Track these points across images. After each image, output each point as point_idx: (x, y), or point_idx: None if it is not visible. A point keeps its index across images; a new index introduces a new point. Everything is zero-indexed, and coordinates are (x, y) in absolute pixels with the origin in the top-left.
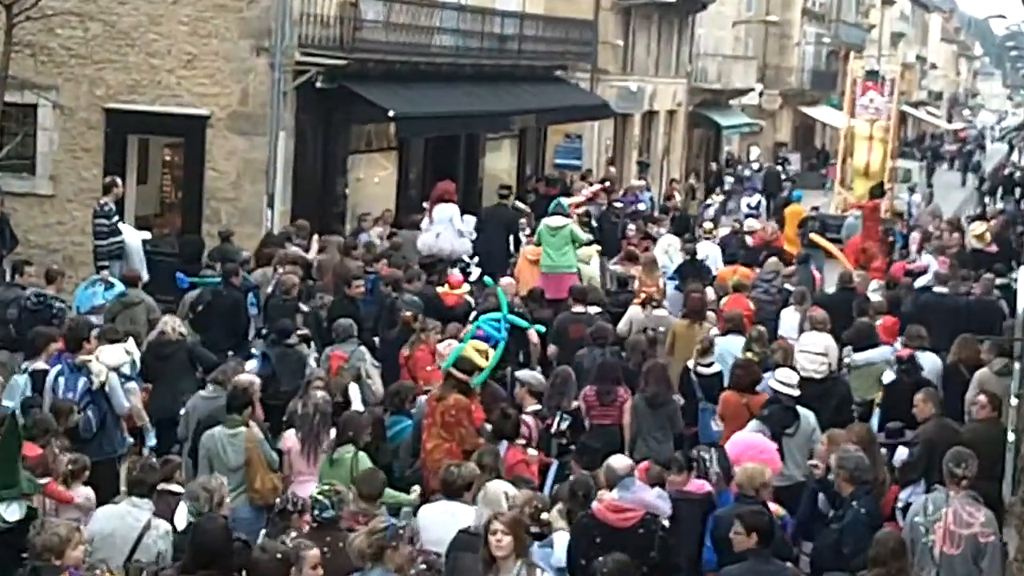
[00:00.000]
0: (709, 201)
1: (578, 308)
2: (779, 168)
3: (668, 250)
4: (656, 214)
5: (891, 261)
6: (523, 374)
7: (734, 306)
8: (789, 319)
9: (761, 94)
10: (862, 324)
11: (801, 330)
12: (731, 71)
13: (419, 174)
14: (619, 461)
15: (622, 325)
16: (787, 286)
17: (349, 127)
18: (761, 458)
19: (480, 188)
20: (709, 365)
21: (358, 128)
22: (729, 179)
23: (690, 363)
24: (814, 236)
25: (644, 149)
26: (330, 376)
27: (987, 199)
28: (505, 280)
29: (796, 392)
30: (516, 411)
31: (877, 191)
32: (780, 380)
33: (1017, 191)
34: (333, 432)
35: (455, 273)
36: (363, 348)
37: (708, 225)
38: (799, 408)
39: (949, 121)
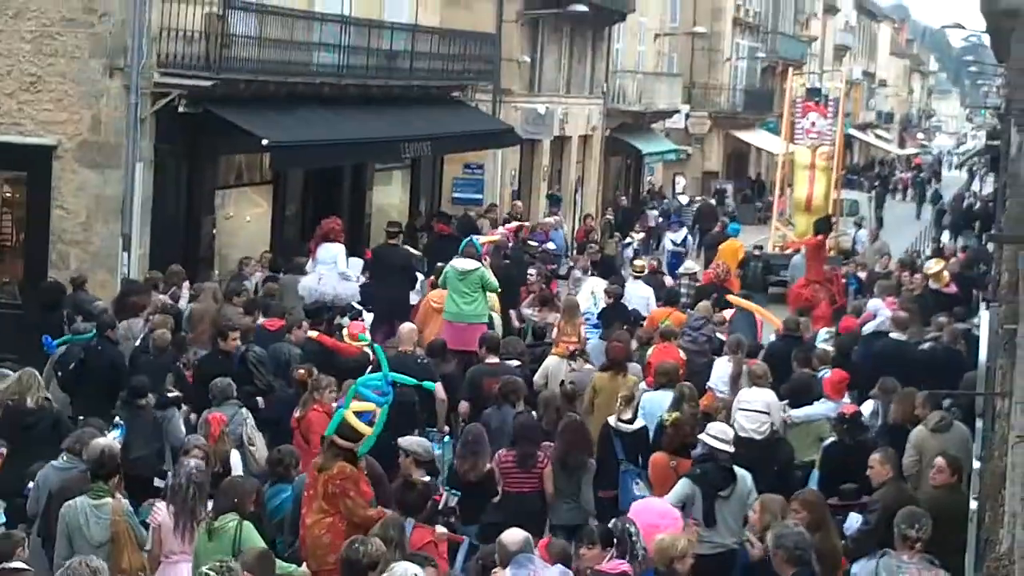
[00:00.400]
0: (628, 239)
1: (492, 359)
2: (713, 201)
3: (594, 293)
4: (573, 254)
5: (841, 308)
6: (406, 441)
7: (663, 357)
8: (721, 369)
9: (687, 116)
10: (801, 376)
11: (734, 383)
12: (653, 90)
13: (298, 210)
14: (512, 536)
15: (538, 378)
16: (718, 334)
17: (217, 158)
18: (661, 525)
19: (368, 225)
20: (631, 421)
21: (227, 159)
22: (652, 212)
23: (611, 419)
24: (733, 299)
25: (555, 180)
26: (209, 443)
27: (945, 233)
28: (407, 327)
29: (731, 448)
30: (424, 482)
31: (822, 226)
32: (714, 435)
33: (977, 225)
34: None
35: (355, 322)
36: (245, 410)
37: (640, 263)
38: (735, 468)
39: (901, 146)
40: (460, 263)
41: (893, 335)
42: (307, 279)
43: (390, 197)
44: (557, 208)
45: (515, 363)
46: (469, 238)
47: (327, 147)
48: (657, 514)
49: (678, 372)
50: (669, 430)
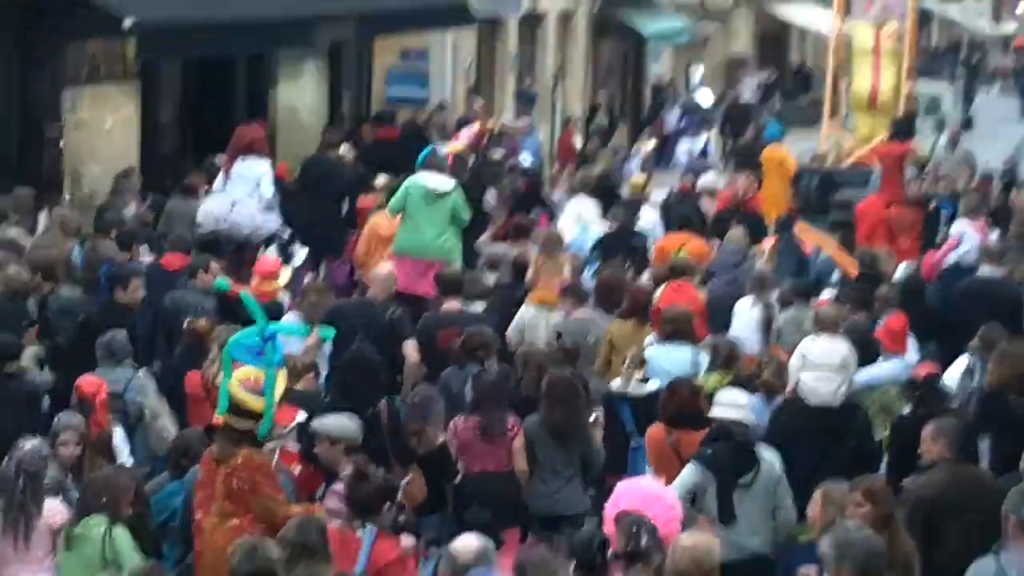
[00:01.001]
0: (632, 150)
1: (452, 303)
2: (748, 96)
3: (583, 218)
4: (554, 169)
5: (928, 242)
6: (324, 423)
7: (674, 299)
8: (745, 316)
9: None
10: (857, 325)
11: (766, 332)
12: None
13: (175, 115)
14: (465, 544)
15: (511, 333)
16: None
17: (64, 45)
18: (652, 512)
19: (272, 134)
20: (644, 382)
21: (77, 47)
22: (672, 115)
23: (617, 381)
24: (803, 228)
25: (526, 73)
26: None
27: None
28: (384, 269)
29: (750, 420)
30: (383, 474)
31: (902, 127)
32: (725, 404)
33: None
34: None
35: (267, 256)
36: (143, 374)
37: (638, 178)
38: (758, 447)
39: (997, 20)
40: (432, 179)
41: (984, 269)
42: (213, 201)
43: (301, 96)
44: (529, 110)
45: (480, 306)
46: (430, 146)
47: (213, 29)
48: (642, 498)
49: (690, 320)
50: (664, 395)
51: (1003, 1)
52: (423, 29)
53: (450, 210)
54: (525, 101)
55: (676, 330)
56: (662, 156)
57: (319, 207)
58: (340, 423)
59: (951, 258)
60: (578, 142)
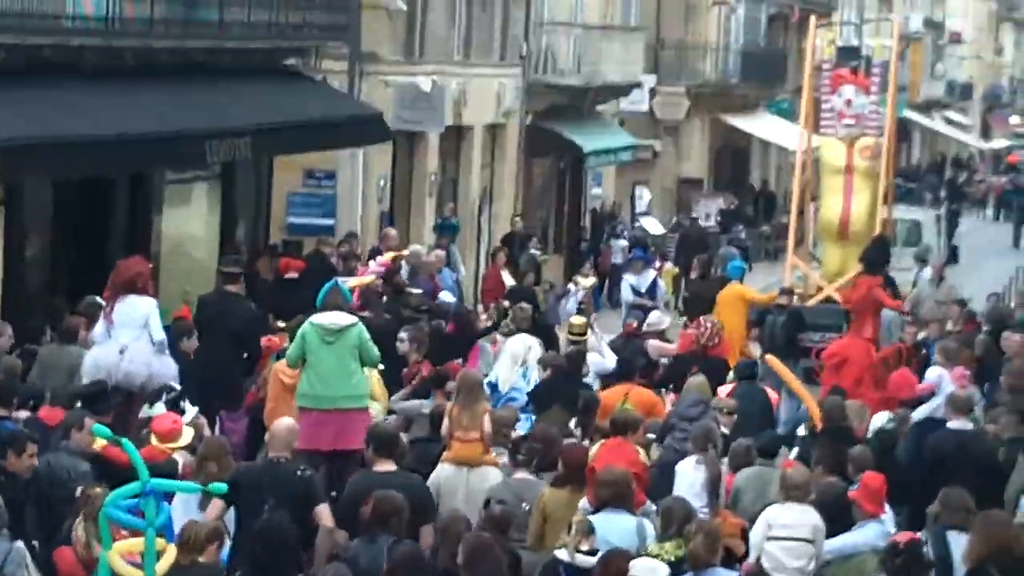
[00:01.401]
0: (570, 284)
1: (385, 466)
2: (709, 221)
3: (527, 359)
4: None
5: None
6: None
7: (610, 459)
8: (688, 477)
9: (654, 94)
10: (832, 488)
11: (713, 494)
12: (600, 54)
13: (44, 246)
14: None
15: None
16: (724, 428)
17: None
18: None
19: (155, 266)
20: (593, 552)
21: None
22: (619, 243)
23: (563, 552)
24: (771, 359)
25: (447, 195)
26: None
27: None
28: (283, 423)
29: None
30: None
31: (874, 256)
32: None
33: None
34: None
35: (166, 414)
36: (21, 546)
37: (578, 319)
38: None
39: (986, 135)
40: (326, 318)
41: (953, 424)
42: (100, 351)
43: (189, 224)
44: (449, 238)
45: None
46: (332, 281)
47: (88, 147)
48: None
49: (629, 484)
50: (597, 567)
51: (993, 113)
52: (330, 146)
53: (353, 347)
54: (445, 231)
55: (615, 496)
56: (604, 293)
57: (213, 352)
58: None
59: (922, 411)
60: (507, 277)
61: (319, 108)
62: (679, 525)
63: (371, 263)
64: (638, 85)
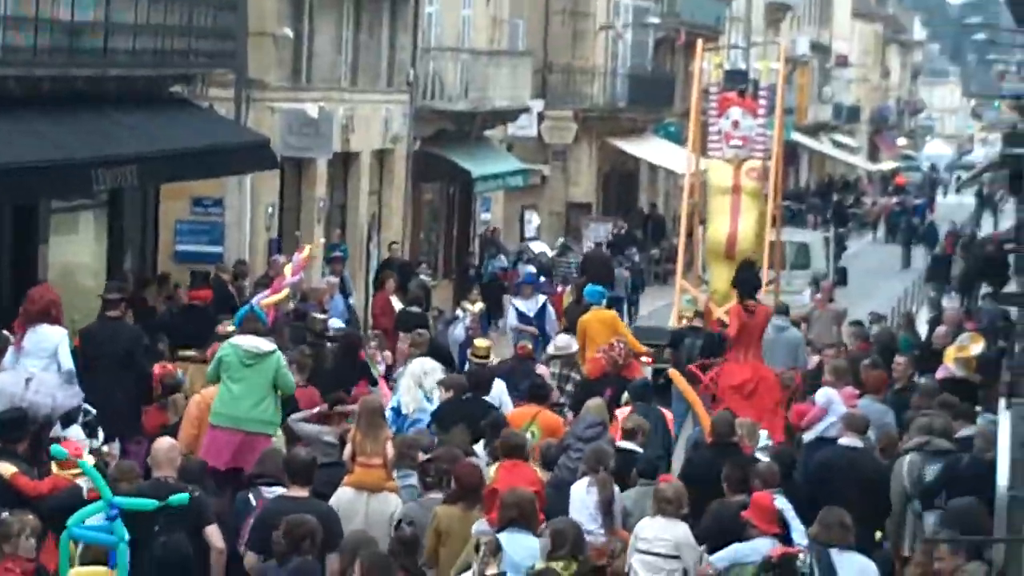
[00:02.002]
0: (458, 311)
1: (299, 492)
2: (604, 246)
3: (423, 382)
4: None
5: (789, 400)
6: None
7: (511, 480)
8: (580, 498)
9: (542, 119)
10: (727, 506)
11: (607, 515)
12: (488, 79)
13: None
14: None
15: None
16: (623, 444)
17: None
18: None
19: None
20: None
21: None
22: (527, 268)
23: (469, 575)
24: (673, 374)
25: (335, 220)
26: None
27: (949, 293)
28: (164, 444)
29: None
30: None
31: (746, 280)
32: None
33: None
34: None
35: (68, 440)
36: None
37: (482, 341)
38: None
39: (874, 158)
40: (248, 341)
41: (843, 440)
42: (6, 378)
43: (76, 253)
44: (339, 264)
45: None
46: (248, 305)
47: None
48: None
49: (534, 505)
50: None
51: (880, 136)
52: (218, 174)
53: (271, 375)
54: (333, 257)
55: (520, 516)
56: (489, 320)
57: (104, 379)
58: None
59: (815, 431)
60: (396, 302)
61: (206, 135)
62: (571, 545)
63: (287, 274)
64: (526, 110)
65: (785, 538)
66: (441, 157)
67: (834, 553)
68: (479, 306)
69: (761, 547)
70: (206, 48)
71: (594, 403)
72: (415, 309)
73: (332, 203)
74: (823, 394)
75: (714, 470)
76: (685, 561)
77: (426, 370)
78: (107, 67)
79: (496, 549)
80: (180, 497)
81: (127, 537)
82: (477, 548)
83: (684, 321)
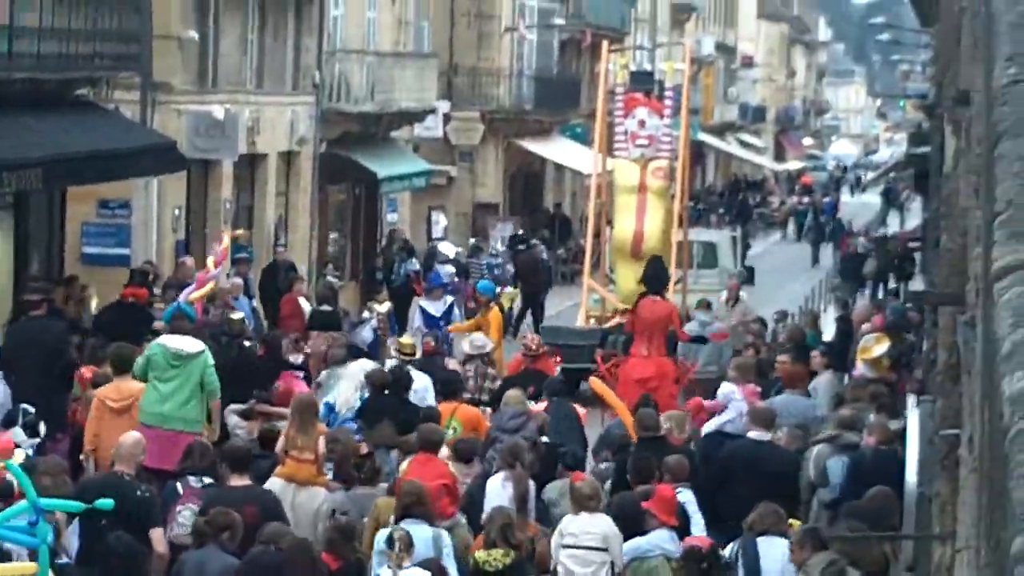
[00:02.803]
0: (365, 312)
1: (238, 480)
2: (538, 245)
3: (359, 384)
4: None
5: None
6: None
7: (420, 473)
8: (497, 494)
9: (448, 119)
10: (630, 498)
11: (522, 509)
12: (393, 81)
13: None
14: None
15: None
16: (545, 438)
17: None
18: None
19: None
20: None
21: None
22: (445, 269)
23: (385, 571)
24: (593, 381)
25: (244, 222)
26: None
27: (861, 291)
28: (131, 437)
29: None
30: None
31: (653, 275)
32: None
33: (895, 275)
34: None
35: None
36: None
37: (408, 339)
38: None
39: (780, 158)
40: (175, 342)
41: (752, 434)
42: None
43: None
44: (245, 267)
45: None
46: (175, 304)
47: None
48: None
49: (426, 496)
50: None
51: (786, 136)
52: (124, 176)
53: (198, 375)
54: (240, 258)
55: (413, 504)
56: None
57: (30, 377)
58: None
59: (711, 424)
60: (305, 303)
61: (112, 138)
62: (501, 532)
63: (210, 266)
64: (432, 111)
65: (684, 531)
66: (347, 159)
67: (761, 541)
68: (387, 306)
69: (660, 540)
70: (111, 51)
71: (513, 395)
72: (326, 308)
73: (239, 204)
74: (726, 388)
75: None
76: (612, 552)
77: (366, 371)
78: (12, 71)
79: (409, 544)
80: (105, 503)
81: (50, 539)
82: (391, 542)
83: (592, 320)
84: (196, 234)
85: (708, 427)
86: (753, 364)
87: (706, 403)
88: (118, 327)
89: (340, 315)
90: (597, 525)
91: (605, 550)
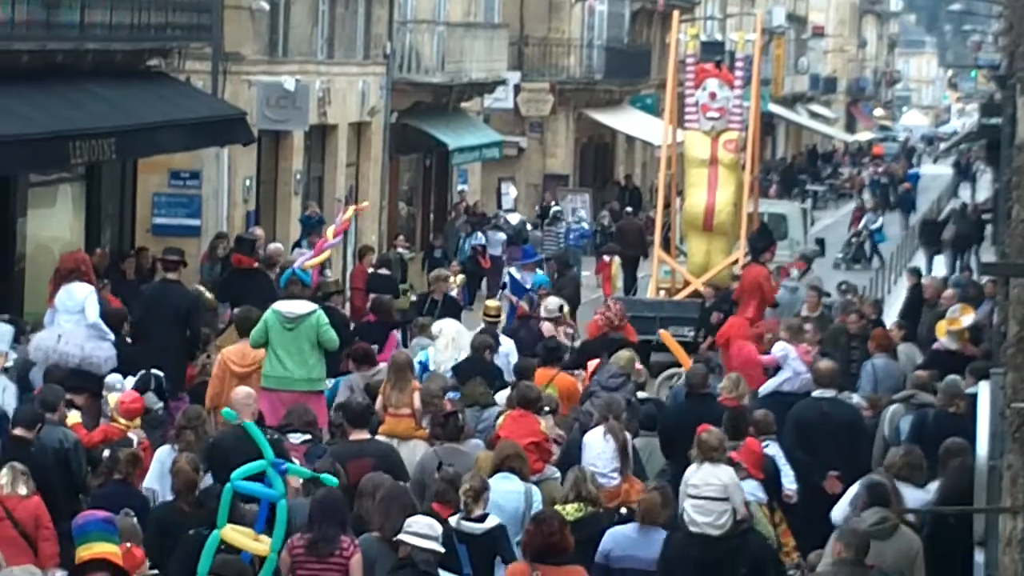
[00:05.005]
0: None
1: (359, 435)
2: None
3: (453, 343)
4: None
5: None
6: None
7: (514, 429)
8: (597, 447)
9: (519, 90)
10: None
11: (623, 461)
12: (463, 51)
13: None
14: None
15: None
16: (643, 394)
17: None
18: None
19: (20, 271)
20: (482, 519)
21: None
22: (497, 236)
23: (454, 519)
24: (664, 334)
25: (314, 194)
26: None
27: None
28: (242, 391)
29: (437, 548)
30: None
31: (759, 241)
32: (414, 532)
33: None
34: None
35: (128, 391)
36: None
37: (493, 302)
38: (443, 573)
39: (851, 129)
40: (285, 306)
41: (817, 393)
42: (42, 335)
43: (54, 226)
44: (317, 237)
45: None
46: (290, 269)
47: None
48: None
49: (520, 455)
50: (529, 527)
51: (857, 107)
52: (195, 147)
53: (311, 334)
54: (312, 227)
55: (507, 460)
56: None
57: (158, 337)
58: None
59: (769, 385)
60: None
61: (183, 109)
62: (575, 487)
63: (329, 236)
64: (502, 82)
65: (774, 484)
66: (418, 129)
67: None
68: (460, 278)
69: (751, 488)
70: (183, 21)
71: (624, 355)
72: (384, 272)
73: (309, 175)
74: (780, 348)
75: (688, 418)
76: (733, 501)
77: (455, 333)
78: (84, 41)
79: (477, 493)
80: (330, 479)
81: (283, 492)
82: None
83: (662, 292)
84: (266, 204)
85: (765, 388)
86: (800, 324)
87: (764, 357)
88: (243, 292)
89: (395, 279)
90: (719, 476)
91: (726, 499)
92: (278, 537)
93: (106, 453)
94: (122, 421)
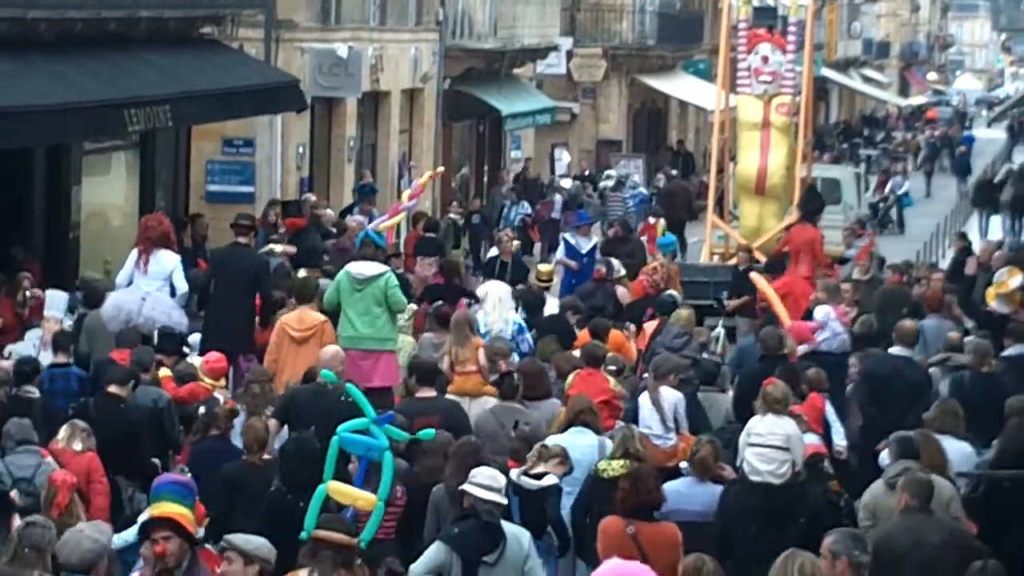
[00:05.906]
0: (494, 248)
1: (426, 392)
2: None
3: (500, 304)
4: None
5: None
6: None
7: (583, 388)
8: (649, 406)
9: (571, 56)
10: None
11: (675, 419)
12: (516, 17)
13: None
14: None
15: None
16: (707, 355)
17: None
18: None
19: (75, 239)
20: (540, 476)
21: None
22: (556, 198)
23: (514, 472)
24: (755, 276)
25: (366, 160)
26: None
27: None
28: (330, 350)
29: (501, 500)
30: None
31: (810, 202)
32: (478, 483)
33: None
34: None
35: (213, 352)
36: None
37: (546, 266)
38: (506, 525)
39: (904, 93)
40: (356, 267)
41: (893, 350)
42: (122, 295)
43: (110, 193)
44: (371, 205)
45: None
46: (364, 232)
47: (6, 118)
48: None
49: (593, 411)
50: (624, 484)
51: (910, 71)
52: (248, 114)
53: (379, 295)
54: (365, 195)
55: (581, 414)
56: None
57: (230, 299)
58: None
59: (810, 345)
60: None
61: (236, 76)
62: (622, 445)
63: (404, 199)
64: (555, 48)
65: (826, 440)
66: (471, 96)
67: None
68: (516, 243)
69: (812, 440)
70: None
71: (684, 313)
72: (430, 235)
73: (362, 142)
74: (821, 311)
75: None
76: (794, 452)
77: (501, 293)
78: (138, 8)
79: (551, 455)
80: (427, 433)
81: (388, 444)
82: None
83: (716, 257)
84: (320, 172)
85: (803, 348)
86: (837, 285)
87: (808, 323)
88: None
89: (441, 241)
90: (782, 427)
91: (788, 449)
92: (384, 487)
93: (201, 410)
94: (208, 381)
